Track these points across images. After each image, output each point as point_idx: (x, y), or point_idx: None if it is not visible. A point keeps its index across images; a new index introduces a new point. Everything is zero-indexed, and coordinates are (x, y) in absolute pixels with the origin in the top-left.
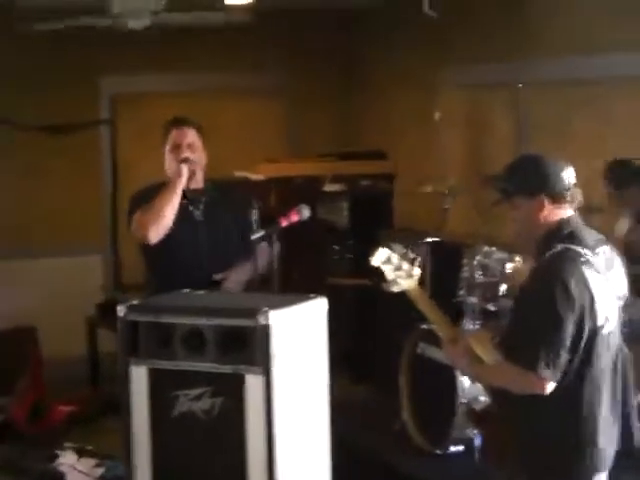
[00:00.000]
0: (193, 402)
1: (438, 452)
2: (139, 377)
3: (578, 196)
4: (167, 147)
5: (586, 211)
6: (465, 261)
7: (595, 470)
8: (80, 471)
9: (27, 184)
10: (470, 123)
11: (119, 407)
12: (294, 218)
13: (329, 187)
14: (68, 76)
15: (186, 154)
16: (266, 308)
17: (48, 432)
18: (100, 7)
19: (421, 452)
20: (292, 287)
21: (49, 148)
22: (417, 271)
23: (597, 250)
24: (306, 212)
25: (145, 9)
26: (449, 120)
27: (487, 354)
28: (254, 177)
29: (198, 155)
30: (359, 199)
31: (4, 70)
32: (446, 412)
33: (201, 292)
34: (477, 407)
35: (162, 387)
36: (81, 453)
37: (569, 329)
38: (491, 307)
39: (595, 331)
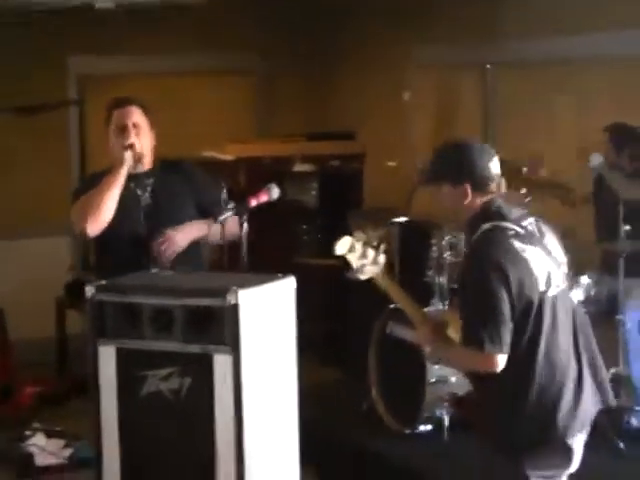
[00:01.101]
0: (161, 382)
1: (407, 432)
2: (107, 357)
3: (502, 186)
4: (111, 129)
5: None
6: (434, 241)
7: (567, 435)
8: (49, 452)
9: None
10: (439, 103)
11: (88, 388)
12: (263, 198)
13: (298, 167)
14: (36, 57)
15: (131, 140)
16: (235, 287)
17: (17, 413)
18: None
19: (390, 432)
20: (260, 267)
21: (16, 129)
22: (382, 257)
23: (523, 223)
24: (275, 192)
25: None
26: (419, 100)
27: (456, 334)
28: (222, 157)
29: (144, 136)
30: (328, 179)
31: None
32: (415, 392)
33: (169, 272)
34: (449, 391)
35: (130, 367)
36: (50, 434)
37: (507, 305)
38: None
39: (540, 296)
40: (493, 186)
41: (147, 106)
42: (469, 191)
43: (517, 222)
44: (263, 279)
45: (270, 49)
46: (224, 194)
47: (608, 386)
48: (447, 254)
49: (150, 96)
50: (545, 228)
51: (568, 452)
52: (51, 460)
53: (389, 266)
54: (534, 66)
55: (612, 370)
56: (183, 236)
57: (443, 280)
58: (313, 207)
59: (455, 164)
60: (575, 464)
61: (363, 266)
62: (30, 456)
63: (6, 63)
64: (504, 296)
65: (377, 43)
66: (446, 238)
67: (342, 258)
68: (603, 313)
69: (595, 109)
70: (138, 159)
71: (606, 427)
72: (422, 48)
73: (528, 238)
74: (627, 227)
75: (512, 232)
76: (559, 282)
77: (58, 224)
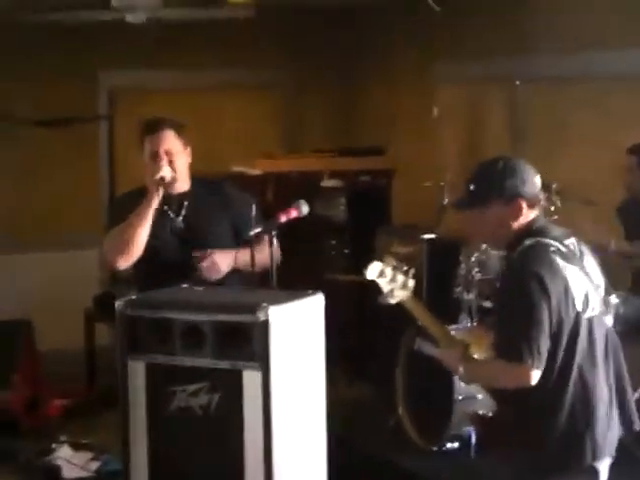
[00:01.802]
0: (191, 398)
1: (434, 449)
2: (137, 372)
3: (543, 199)
4: (145, 155)
5: (583, 204)
6: (462, 258)
7: (595, 458)
8: (76, 465)
9: (25, 178)
10: (468, 119)
11: (116, 401)
12: (293, 214)
13: (327, 183)
14: (67, 70)
15: (161, 173)
16: (265, 304)
17: (44, 426)
18: (99, 1)
19: (417, 449)
20: (290, 283)
21: (47, 142)
22: (411, 282)
23: (565, 241)
24: (305, 208)
25: (143, 3)
26: (447, 116)
27: (482, 353)
28: (251, 172)
29: (177, 159)
30: (357, 195)
31: (2, 63)
32: (442, 409)
33: (200, 288)
34: (476, 409)
35: (160, 382)
36: (77, 447)
37: (547, 317)
38: (488, 304)
39: (576, 317)
40: (541, 200)
41: (180, 124)
42: (523, 207)
43: (559, 240)
44: (292, 296)
45: (298, 64)
46: (254, 210)
47: (635, 412)
48: (475, 271)
49: (179, 111)
50: (585, 250)
51: (595, 476)
52: (78, 473)
53: (417, 288)
54: (563, 82)
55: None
56: (224, 260)
57: (471, 297)
58: (341, 223)
59: (506, 179)
60: None
61: (393, 290)
62: (57, 469)
63: (38, 76)
64: (544, 309)
65: (406, 58)
66: (475, 255)
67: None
68: (632, 332)
69: (624, 127)
70: (169, 184)
71: (633, 446)
72: (451, 64)
73: (569, 257)
74: None
75: (554, 248)
76: (595, 305)
77: (87, 236)
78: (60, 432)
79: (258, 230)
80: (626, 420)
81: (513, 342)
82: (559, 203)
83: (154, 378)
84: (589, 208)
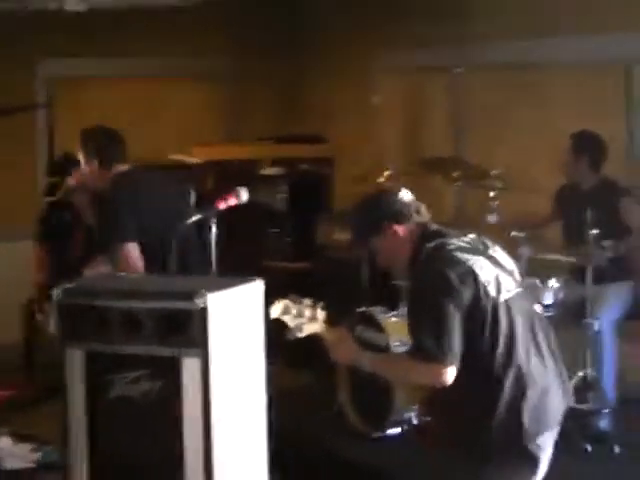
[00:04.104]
0: (130, 385)
1: (376, 435)
2: (75, 361)
3: (422, 208)
4: None
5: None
6: None
7: (536, 435)
8: (17, 456)
9: None
10: (409, 107)
11: (56, 392)
12: (231, 201)
13: (267, 170)
14: (3, 59)
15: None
16: (204, 290)
17: None
18: None
19: (359, 435)
20: (229, 270)
21: None
22: (321, 313)
23: (463, 238)
24: (244, 195)
25: None
26: (388, 103)
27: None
28: (190, 160)
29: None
30: (298, 183)
31: None
32: (384, 395)
33: (136, 275)
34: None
35: (99, 371)
36: (18, 438)
37: (454, 313)
38: None
39: (492, 302)
40: (414, 212)
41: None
42: (394, 228)
43: (457, 237)
44: (231, 282)
45: (238, 52)
46: (192, 198)
47: (570, 386)
48: None
49: (119, 99)
50: (488, 242)
51: (535, 459)
52: (19, 464)
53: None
54: (505, 70)
55: (580, 373)
56: None
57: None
58: (282, 210)
59: (365, 218)
60: (542, 472)
61: (300, 325)
62: None
63: None
64: (452, 307)
65: (346, 46)
66: None
67: (312, 260)
68: (570, 316)
69: (563, 115)
70: None
71: (573, 430)
72: (391, 51)
73: (471, 250)
74: (594, 231)
75: (453, 246)
76: (510, 287)
77: (24, 228)
78: (1, 424)
79: (197, 217)
80: (565, 394)
81: (423, 342)
82: (499, 185)
83: (93, 366)
84: (530, 194)
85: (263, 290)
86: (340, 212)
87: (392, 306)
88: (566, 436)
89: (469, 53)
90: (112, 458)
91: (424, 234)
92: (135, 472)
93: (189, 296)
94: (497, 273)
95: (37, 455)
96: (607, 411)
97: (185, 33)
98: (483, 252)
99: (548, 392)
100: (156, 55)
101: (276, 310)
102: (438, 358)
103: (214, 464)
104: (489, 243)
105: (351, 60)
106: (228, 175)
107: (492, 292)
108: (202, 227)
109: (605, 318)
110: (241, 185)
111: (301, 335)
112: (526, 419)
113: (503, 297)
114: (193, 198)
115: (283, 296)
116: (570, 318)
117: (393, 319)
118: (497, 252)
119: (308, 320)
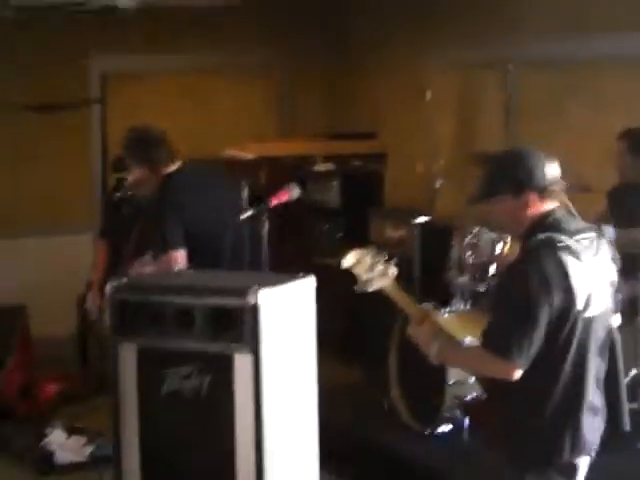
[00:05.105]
0: (181, 381)
1: (427, 432)
2: (128, 355)
3: (563, 188)
4: None
5: (576, 190)
6: (455, 241)
7: (575, 455)
8: (70, 449)
9: (17, 163)
10: (461, 103)
11: (109, 385)
12: (284, 197)
13: (319, 167)
14: (58, 55)
15: None
16: (256, 287)
17: (37, 411)
18: None
19: (410, 432)
20: (281, 267)
21: (38, 128)
22: (392, 270)
23: (578, 237)
24: (296, 191)
25: None
26: (440, 100)
27: (461, 335)
28: (244, 156)
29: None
30: (350, 178)
31: None
32: (435, 392)
33: (189, 271)
34: (465, 394)
35: (151, 365)
36: (70, 431)
37: (545, 317)
38: (481, 288)
39: (575, 316)
40: (556, 190)
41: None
42: (531, 199)
43: (573, 235)
44: (283, 279)
45: (292, 49)
46: (245, 193)
47: (626, 413)
48: (468, 254)
49: (171, 95)
50: (603, 244)
51: (574, 472)
52: (72, 457)
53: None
54: (557, 66)
55: (633, 371)
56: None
57: (463, 280)
58: (334, 206)
59: (513, 171)
60: None
61: (370, 279)
62: (50, 454)
63: (29, 61)
64: (544, 308)
65: (399, 42)
66: (467, 238)
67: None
68: (623, 314)
69: (614, 112)
70: None
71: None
72: (445, 47)
73: (579, 254)
74: None
75: (563, 245)
76: (600, 304)
77: (80, 222)
78: (53, 417)
79: (249, 213)
80: (616, 418)
81: (504, 336)
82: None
83: (145, 361)
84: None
85: (315, 287)
86: (392, 209)
87: (444, 303)
88: (619, 434)
89: (521, 50)
90: (162, 452)
91: (543, 219)
92: (186, 466)
93: (241, 292)
94: (593, 286)
95: (89, 449)
96: None
97: (237, 28)
98: (591, 257)
99: (597, 415)
100: (208, 51)
101: (349, 260)
102: (514, 360)
103: (265, 459)
104: (603, 248)
105: (403, 55)
106: (281, 171)
107: (579, 305)
108: (255, 223)
109: None
110: (294, 181)
111: (369, 290)
112: (570, 438)
113: (588, 314)
114: (246, 194)
115: (334, 294)
116: (623, 316)
117: (445, 315)
118: (603, 260)
119: (379, 275)
